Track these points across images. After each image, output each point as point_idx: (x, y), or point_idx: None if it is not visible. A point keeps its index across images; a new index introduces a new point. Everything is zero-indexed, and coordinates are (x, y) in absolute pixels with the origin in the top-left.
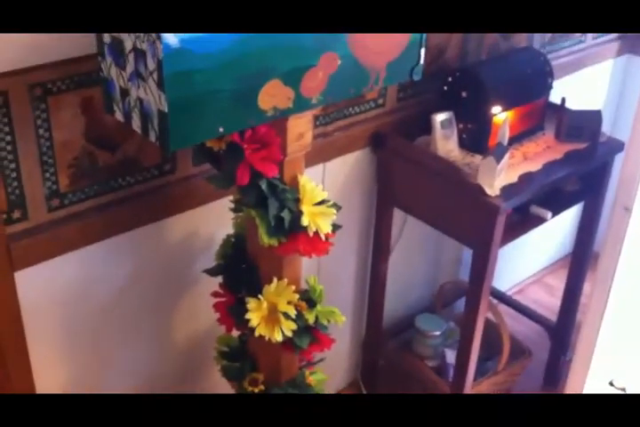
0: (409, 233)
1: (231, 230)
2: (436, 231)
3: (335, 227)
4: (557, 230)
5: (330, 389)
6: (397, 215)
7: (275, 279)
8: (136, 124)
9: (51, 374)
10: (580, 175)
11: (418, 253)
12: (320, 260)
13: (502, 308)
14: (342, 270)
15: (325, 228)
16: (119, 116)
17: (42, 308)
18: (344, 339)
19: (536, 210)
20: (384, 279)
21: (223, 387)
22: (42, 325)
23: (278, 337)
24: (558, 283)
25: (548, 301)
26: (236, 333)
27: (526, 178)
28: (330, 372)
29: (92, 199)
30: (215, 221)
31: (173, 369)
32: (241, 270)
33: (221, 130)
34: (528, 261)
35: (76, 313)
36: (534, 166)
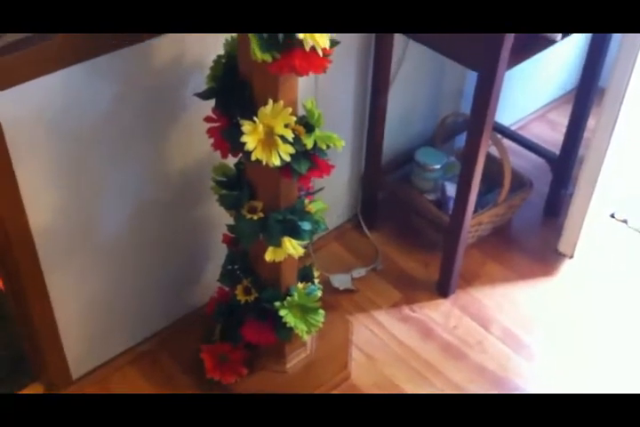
0: (410, 63)
1: (222, 52)
2: (438, 61)
3: (333, 43)
4: (561, 66)
5: (330, 224)
6: (397, 43)
7: (270, 101)
8: None
9: (42, 202)
10: None
11: (419, 84)
12: (317, 89)
13: (504, 142)
14: (340, 102)
15: (323, 42)
16: None
17: (25, 130)
18: (343, 174)
19: None
20: (384, 111)
21: (221, 216)
22: (27, 147)
23: (276, 161)
24: (561, 119)
25: (550, 136)
26: (231, 162)
27: None
28: (330, 207)
29: None
30: (203, 42)
31: (168, 198)
32: (234, 93)
33: None
34: (530, 97)
35: (61, 137)
36: None
